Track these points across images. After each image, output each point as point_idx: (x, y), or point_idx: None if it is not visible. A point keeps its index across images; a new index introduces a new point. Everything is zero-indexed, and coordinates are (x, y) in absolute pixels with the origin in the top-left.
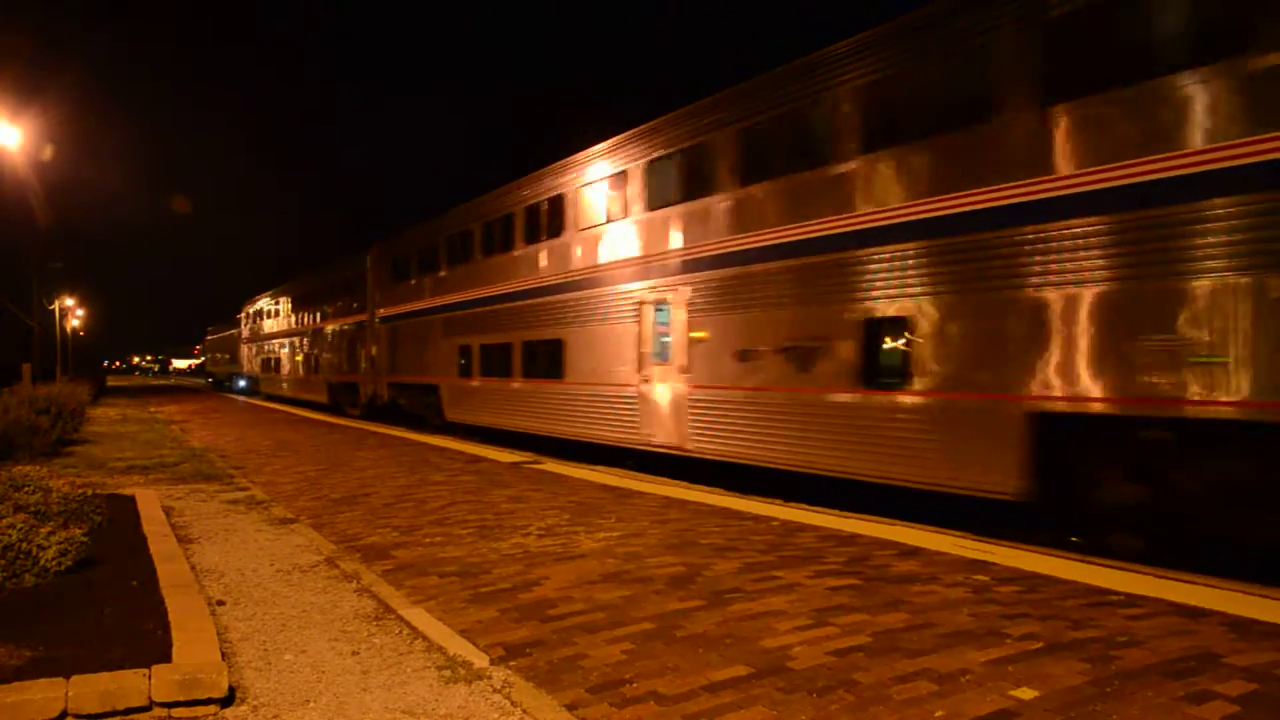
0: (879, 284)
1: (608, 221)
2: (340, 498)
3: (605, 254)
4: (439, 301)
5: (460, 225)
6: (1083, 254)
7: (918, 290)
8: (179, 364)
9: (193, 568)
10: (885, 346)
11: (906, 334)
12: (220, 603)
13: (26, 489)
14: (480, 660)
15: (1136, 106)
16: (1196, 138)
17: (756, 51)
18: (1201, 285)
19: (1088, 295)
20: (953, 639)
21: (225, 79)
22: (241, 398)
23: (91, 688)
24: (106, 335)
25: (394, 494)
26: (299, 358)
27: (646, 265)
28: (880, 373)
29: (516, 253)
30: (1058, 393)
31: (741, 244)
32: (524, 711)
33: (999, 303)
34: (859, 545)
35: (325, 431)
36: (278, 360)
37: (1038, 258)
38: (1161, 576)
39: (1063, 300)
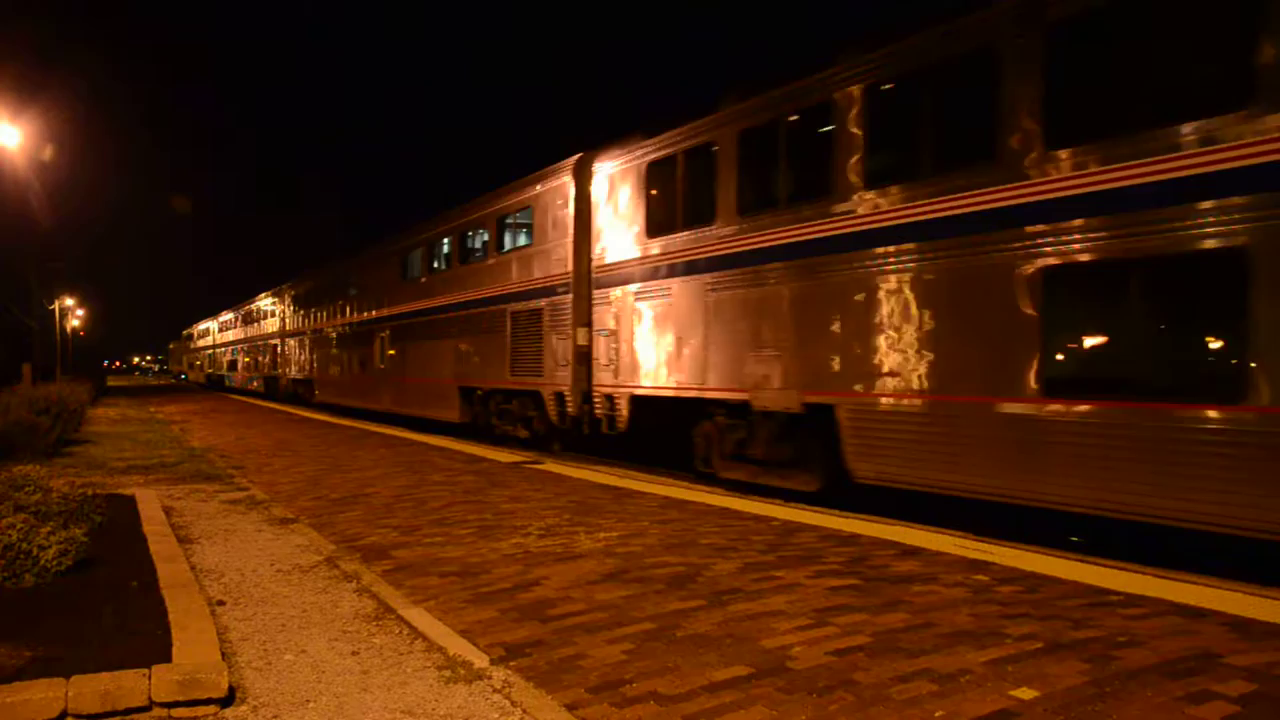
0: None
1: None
2: (340, 497)
3: None
4: None
5: None
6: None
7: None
8: None
9: (193, 568)
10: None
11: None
12: (220, 603)
13: (26, 489)
14: (480, 660)
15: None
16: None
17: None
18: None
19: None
20: (953, 639)
21: (226, 75)
22: (239, 397)
23: (91, 688)
24: (106, 335)
25: (394, 494)
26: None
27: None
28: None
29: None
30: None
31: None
32: (524, 711)
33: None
34: (859, 545)
35: (325, 431)
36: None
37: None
38: (1161, 576)
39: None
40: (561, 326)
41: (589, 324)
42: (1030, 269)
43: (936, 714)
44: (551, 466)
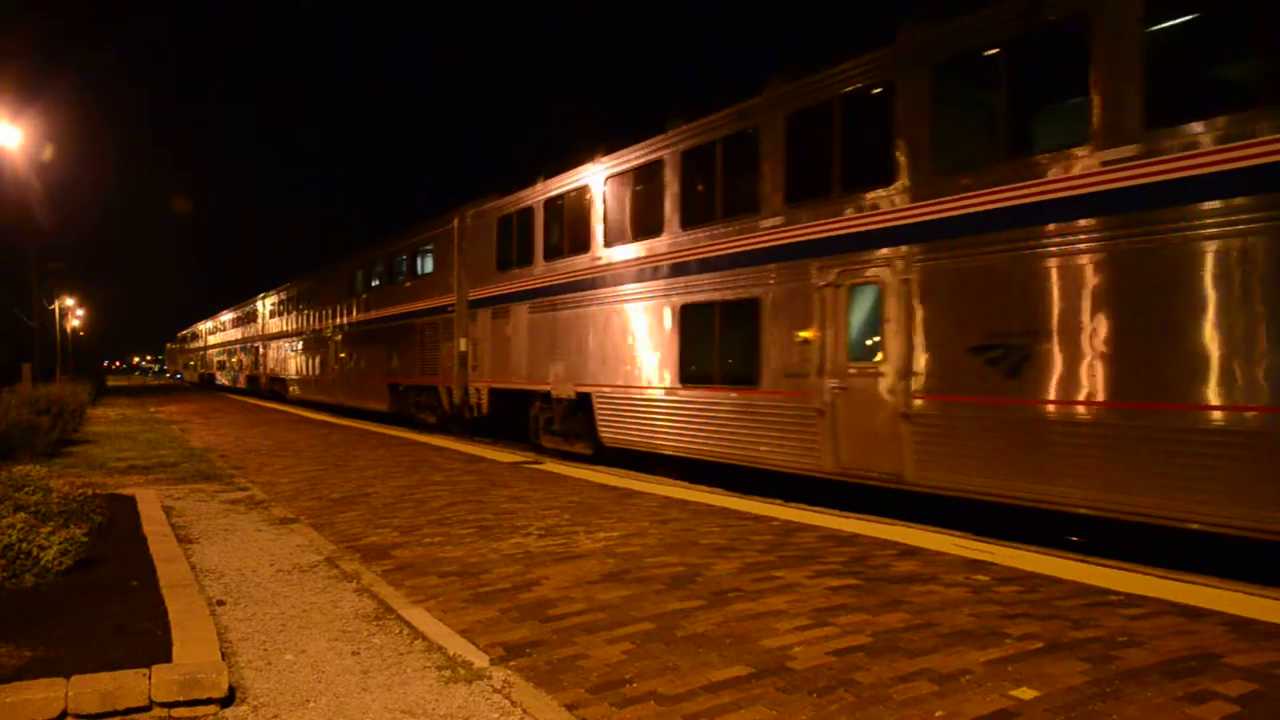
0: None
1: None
2: (340, 498)
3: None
4: None
5: None
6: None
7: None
8: None
9: (193, 567)
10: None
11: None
12: (220, 602)
13: (27, 489)
14: (480, 660)
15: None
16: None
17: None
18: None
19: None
20: (953, 639)
21: (227, 71)
22: (237, 397)
23: (91, 688)
24: (106, 335)
25: (394, 494)
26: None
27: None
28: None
29: None
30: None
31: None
32: (524, 711)
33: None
34: (859, 545)
35: (325, 432)
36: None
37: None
38: (1161, 576)
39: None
40: (451, 337)
41: (467, 335)
42: (676, 305)
43: (936, 714)
44: (551, 467)
